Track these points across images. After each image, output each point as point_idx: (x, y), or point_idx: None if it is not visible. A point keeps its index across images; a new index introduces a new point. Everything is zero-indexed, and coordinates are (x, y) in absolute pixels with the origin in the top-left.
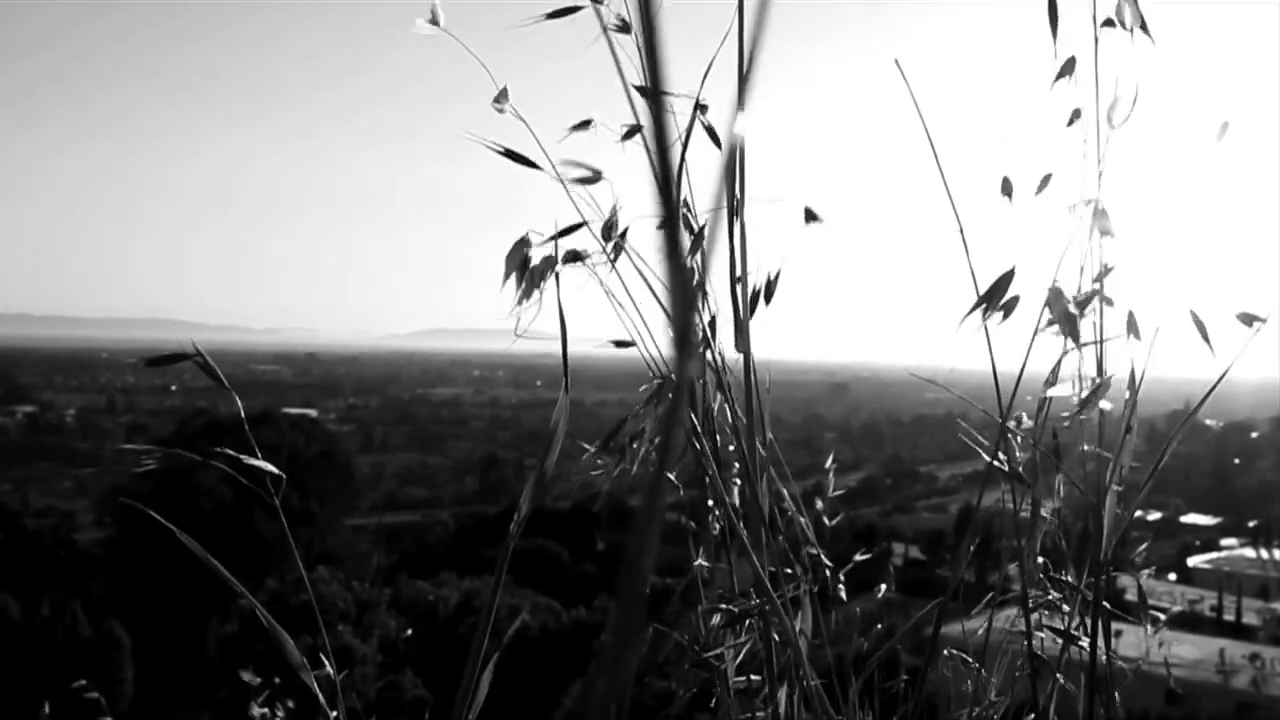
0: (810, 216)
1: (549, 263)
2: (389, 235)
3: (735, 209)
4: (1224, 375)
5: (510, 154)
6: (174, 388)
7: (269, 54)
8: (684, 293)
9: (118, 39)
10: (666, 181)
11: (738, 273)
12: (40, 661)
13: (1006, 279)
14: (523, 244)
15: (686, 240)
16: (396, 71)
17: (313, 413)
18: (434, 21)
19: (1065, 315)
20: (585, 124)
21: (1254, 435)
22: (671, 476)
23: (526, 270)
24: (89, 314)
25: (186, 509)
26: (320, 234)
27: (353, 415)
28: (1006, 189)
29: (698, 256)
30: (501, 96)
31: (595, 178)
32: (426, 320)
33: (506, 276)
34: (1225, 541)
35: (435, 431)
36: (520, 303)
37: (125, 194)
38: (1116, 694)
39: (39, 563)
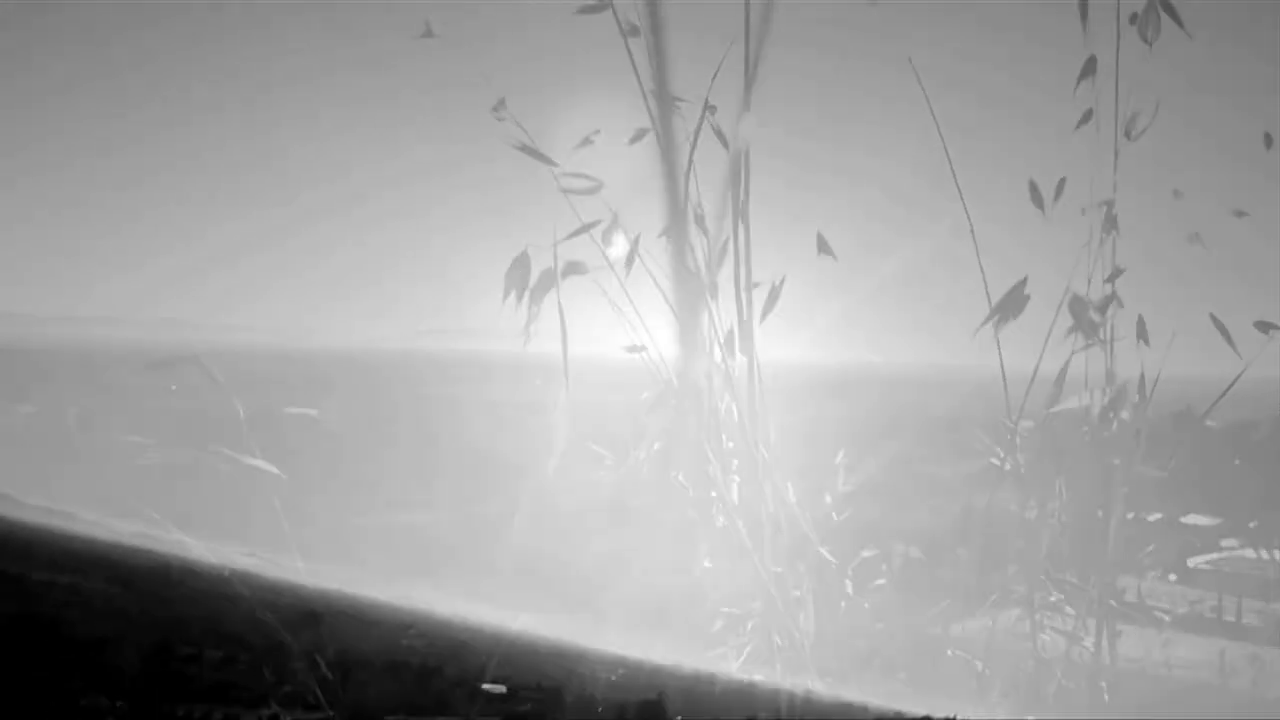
0: (822, 247)
1: (549, 277)
2: (389, 235)
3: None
4: (1236, 380)
5: (527, 149)
6: (174, 387)
7: (269, 52)
8: (691, 298)
9: (119, 36)
10: (674, 186)
11: (742, 276)
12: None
13: (1019, 290)
14: (523, 260)
15: (694, 244)
16: (398, 74)
17: (313, 412)
18: (429, 34)
19: (1088, 323)
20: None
21: (1253, 435)
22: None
23: (527, 287)
24: (89, 313)
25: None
26: (321, 234)
27: (353, 415)
28: (1036, 199)
29: (706, 261)
30: (500, 106)
31: (597, 188)
32: (426, 320)
33: (507, 294)
34: (1225, 542)
35: (435, 431)
36: (528, 325)
37: (126, 193)
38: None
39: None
